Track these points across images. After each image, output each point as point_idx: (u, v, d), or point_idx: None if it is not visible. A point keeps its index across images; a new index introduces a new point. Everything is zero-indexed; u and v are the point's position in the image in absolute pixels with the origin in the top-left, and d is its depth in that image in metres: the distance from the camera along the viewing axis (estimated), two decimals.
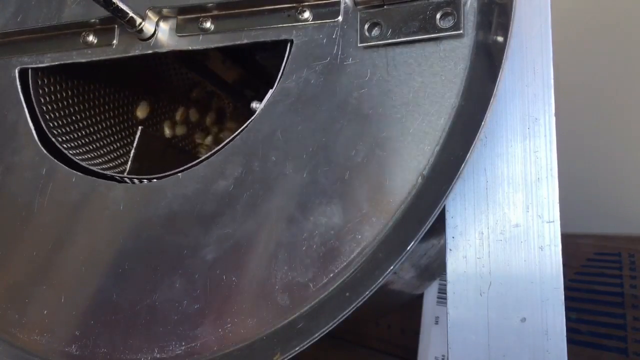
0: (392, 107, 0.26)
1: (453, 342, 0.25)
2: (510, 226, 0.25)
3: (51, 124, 0.35)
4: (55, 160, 0.31)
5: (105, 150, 0.40)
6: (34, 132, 0.32)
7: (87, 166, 0.32)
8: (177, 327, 0.26)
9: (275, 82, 0.28)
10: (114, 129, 0.42)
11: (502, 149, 0.26)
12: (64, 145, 0.34)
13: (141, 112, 0.45)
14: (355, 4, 0.27)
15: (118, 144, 0.41)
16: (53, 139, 0.33)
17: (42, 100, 0.34)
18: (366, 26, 0.27)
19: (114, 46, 0.32)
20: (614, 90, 0.66)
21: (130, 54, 0.31)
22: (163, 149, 0.38)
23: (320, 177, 0.26)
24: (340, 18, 0.27)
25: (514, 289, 0.25)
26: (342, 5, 0.27)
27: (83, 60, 0.32)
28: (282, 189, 0.26)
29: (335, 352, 0.61)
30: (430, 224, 0.23)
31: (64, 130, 0.36)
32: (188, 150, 0.49)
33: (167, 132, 0.49)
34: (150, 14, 0.30)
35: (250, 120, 0.28)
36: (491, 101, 0.23)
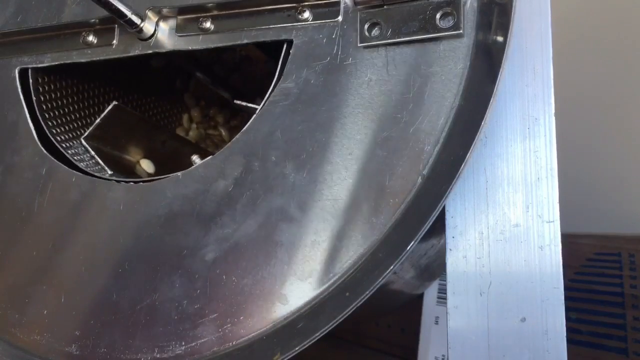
0: (392, 107, 0.26)
1: (453, 342, 0.25)
2: (510, 226, 0.25)
3: (51, 124, 0.35)
4: (56, 160, 0.31)
5: None
6: (34, 132, 0.32)
7: (85, 168, 0.32)
8: (177, 327, 0.26)
9: (274, 82, 0.28)
10: None
11: (502, 149, 0.26)
12: (63, 145, 0.34)
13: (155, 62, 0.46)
14: (355, 4, 0.27)
15: None
16: (53, 139, 0.33)
17: (42, 100, 0.34)
18: (366, 26, 0.27)
19: (113, 46, 0.32)
20: (613, 90, 0.66)
21: (130, 54, 0.31)
22: (134, 123, 0.37)
23: (319, 177, 0.26)
24: (340, 18, 0.27)
25: (514, 289, 0.25)
26: (342, 5, 0.27)
27: (83, 60, 0.32)
28: (282, 189, 0.26)
29: (335, 352, 0.61)
30: (430, 224, 0.23)
31: (63, 129, 0.36)
32: (162, 126, 0.48)
33: (179, 83, 0.50)
34: (150, 14, 0.30)
35: (250, 121, 0.28)
36: (491, 101, 0.23)
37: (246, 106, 0.30)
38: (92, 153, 0.33)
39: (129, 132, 0.37)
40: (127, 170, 0.37)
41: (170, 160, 0.41)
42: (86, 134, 0.34)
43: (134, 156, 0.38)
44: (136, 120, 0.38)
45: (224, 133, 0.50)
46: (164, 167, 0.39)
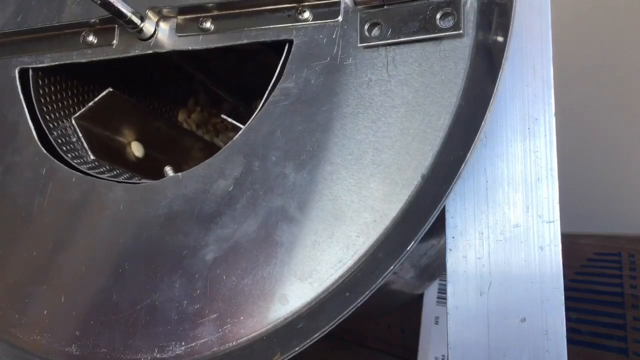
0: (392, 107, 0.26)
1: (453, 342, 0.25)
2: (510, 226, 0.25)
3: (51, 125, 0.35)
4: (55, 160, 0.31)
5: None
6: (34, 132, 0.32)
7: (82, 168, 0.32)
8: (177, 327, 0.26)
9: (273, 82, 0.28)
10: None
11: (502, 149, 0.26)
12: (60, 143, 0.34)
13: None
14: (355, 3, 0.27)
15: None
16: (52, 140, 0.33)
17: (42, 100, 0.34)
18: (366, 26, 0.27)
19: (114, 46, 0.32)
20: (613, 90, 0.66)
21: (130, 54, 0.31)
22: (129, 109, 0.37)
23: (319, 177, 0.26)
24: (340, 18, 0.27)
25: (514, 289, 0.25)
26: (342, 5, 0.27)
27: (83, 60, 0.32)
28: (282, 189, 0.26)
29: (335, 352, 0.61)
30: (430, 224, 0.23)
31: (61, 125, 0.36)
32: (159, 114, 0.48)
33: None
34: (150, 14, 0.30)
35: (250, 120, 0.28)
36: (491, 101, 0.23)
37: (232, 123, 0.30)
38: (80, 135, 0.33)
39: (123, 116, 0.37)
40: (115, 153, 0.37)
41: (163, 146, 0.41)
42: (77, 114, 0.34)
43: (126, 137, 0.38)
44: (131, 106, 0.38)
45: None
46: (155, 151, 0.39)
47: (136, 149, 0.38)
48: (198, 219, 0.27)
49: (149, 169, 0.39)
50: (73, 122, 0.33)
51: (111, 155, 0.36)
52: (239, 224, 0.26)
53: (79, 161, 0.32)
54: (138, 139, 0.39)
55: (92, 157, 0.33)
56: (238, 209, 0.27)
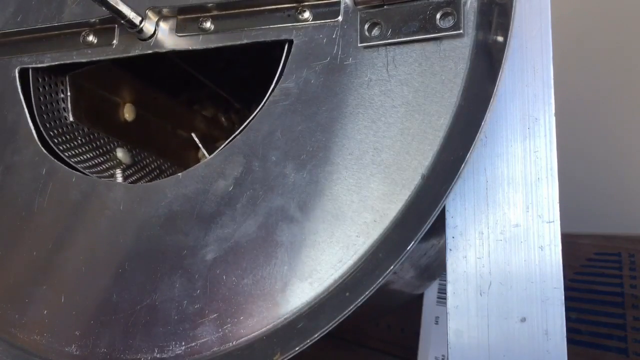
0: (392, 107, 0.26)
1: (453, 342, 0.25)
2: (510, 226, 0.25)
3: (50, 128, 0.34)
4: (56, 161, 0.31)
5: (104, 152, 0.40)
6: (34, 132, 0.32)
7: (82, 169, 0.32)
8: (177, 327, 0.26)
9: (273, 82, 0.28)
10: None
11: (502, 149, 0.26)
12: (62, 148, 0.34)
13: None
14: (355, 3, 0.27)
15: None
16: (49, 141, 0.33)
17: (42, 100, 0.34)
18: (366, 26, 0.27)
19: (114, 46, 0.32)
20: (613, 90, 0.66)
21: (130, 54, 0.31)
22: (128, 79, 0.37)
23: (320, 177, 0.26)
24: (340, 18, 0.27)
25: (514, 289, 0.25)
26: (342, 5, 0.27)
27: (83, 60, 0.32)
28: (282, 189, 0.26)
29: (335, 352, 0.61)
30: (430, 224, 0.23)
31: (62, 129, 0.36)
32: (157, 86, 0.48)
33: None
34: (150, 13, 0.30)
35: (249, 120, 0.28)
36: (491, 101, 0.23)
37: (198, 145, 0.30)
38: (69, 93, 0.33)
39: (120, 81, 0.37)
40: (102, 114, 0.36)
41: (158, 112, 0.41)
42: (74, 72, 0.33)
43: (122, 98, 0.38)
44: (129, 77, 0.37)
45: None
46: (148, 112, 0.40)
47: (128, 112, 0.38)
48: (198, 219, 0.27)
49: (134, 134, 0.38)
50: (67, 78, 0.33)
51: (95, 116, 0.35)
52: (239, 224, 0.26)
53: (52, 124, 0.32)
54: (134, 102, 0.39)
55: (71, 118, 0.33)
56: (238, 209, 0.27)
